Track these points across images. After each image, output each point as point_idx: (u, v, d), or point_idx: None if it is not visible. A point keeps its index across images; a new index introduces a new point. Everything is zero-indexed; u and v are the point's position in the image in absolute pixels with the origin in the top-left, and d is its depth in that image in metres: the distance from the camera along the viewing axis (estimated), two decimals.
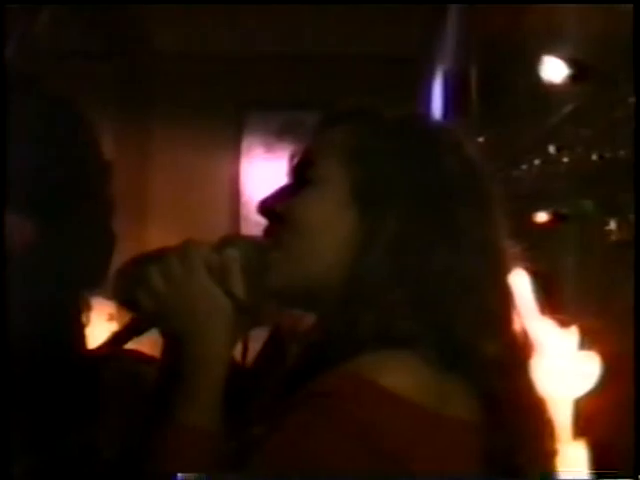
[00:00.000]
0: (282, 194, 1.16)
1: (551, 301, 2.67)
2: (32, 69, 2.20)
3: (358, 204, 1.11)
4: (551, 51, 2.83)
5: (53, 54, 2.38)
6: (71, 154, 2.16)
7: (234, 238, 1.16)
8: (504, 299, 1.12)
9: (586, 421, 2.54)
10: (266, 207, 1.16)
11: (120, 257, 1.92)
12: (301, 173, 1.16)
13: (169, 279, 1.11)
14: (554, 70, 2.81)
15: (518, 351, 1.12)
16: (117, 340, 1.17)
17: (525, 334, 1.15)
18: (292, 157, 1.18)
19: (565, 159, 2.72)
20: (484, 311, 1.07)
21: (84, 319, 2.31)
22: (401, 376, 1.02)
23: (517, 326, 1.13)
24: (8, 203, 1.99)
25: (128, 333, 1.17)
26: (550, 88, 2.83)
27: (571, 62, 2.79)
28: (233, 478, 1.02)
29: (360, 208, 1.11)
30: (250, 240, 1.16)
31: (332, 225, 1.11)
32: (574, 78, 2.79)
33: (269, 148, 4.95)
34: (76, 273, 2.15)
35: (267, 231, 1.17)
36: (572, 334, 2.59)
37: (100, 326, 3.21)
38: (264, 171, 4.83)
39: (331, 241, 1.11)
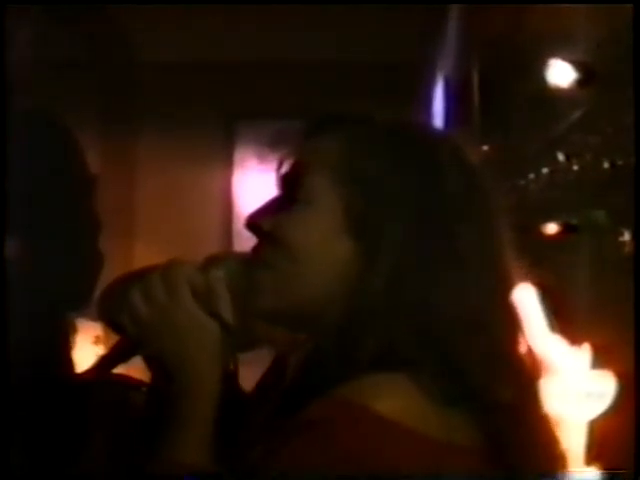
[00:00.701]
0: (270, 209, 1.11)
1: (561, 318, 2.60)
2: (14, 80, 2.13)
3: (353, 229, 1.05)
4: (556, 54, 2.73)
5: (36, 64, 2.30)
6: (55, 169, 2.10)
7: (220, 257, 1.13)
8: (513, 330, 1.07)
9: (600, 445, 2.43)
10: (253, 223, 1.11)
11: (107, 276, 1.85)
12: (290, 186, 1.10)
13: (152, 302, 1.07)
14: (560, 74, 2.71)
15: (529, 387, 1.06)
16: (104, 366, 1.14)
17: (536, 364, 1.09)
18: (280, 167, 1.13)
19: (575, 167, 2.62)
20: (494, 351, 1.02)
21: (70, 341, 2.23)
22: (396, 401, 0.98)
23: (526, 354, 1.08)
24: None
25: (114, 359, 1.13)
26: (556, 93, 2.73)
27: (577, 65, 2.68)
28: None
29: (355, 233, 1.05)
30: (236, 259, 1.12)
31: (324, 250, 1.06)
32: (581, 82, 2.69)
33: (262, 159, 4.85)
34: (61, 293, 2.08)
35: (256, 248, 1.12)
36: (584, 352, 2.50)
37: (86, 348, 3.11)
38: (258, 183, 4.73)
39: (322, 267, 1.06)
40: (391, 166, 1.05)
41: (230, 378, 1.14)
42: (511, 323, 1.06)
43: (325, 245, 1.05)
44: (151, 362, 1.12)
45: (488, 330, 1.02)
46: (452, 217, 1.04)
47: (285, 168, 1.11)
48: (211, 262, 1.10)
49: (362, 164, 1.06)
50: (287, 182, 1.11)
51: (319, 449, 0.95)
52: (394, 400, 0.97)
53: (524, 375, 1.05)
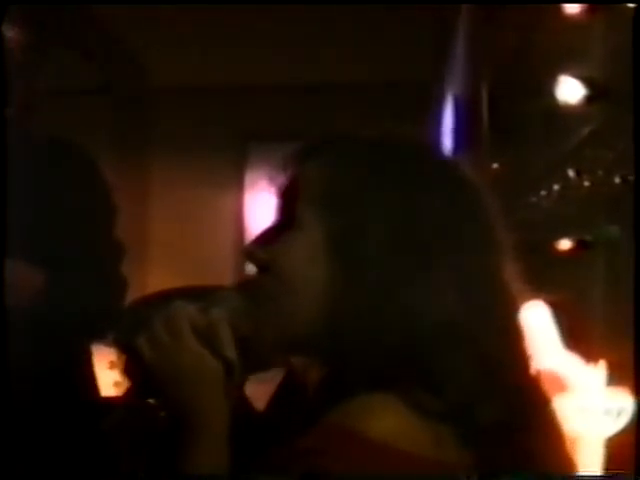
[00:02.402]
0: (266, 237, 1.13)
1: (576, 335, 2.58)
2: (27, 109, 2.14)
3: (334, 252, 1.06)
4: (566, 71, 2.72)
5: (51, 91, 2.32)
6: (76, 196, 2.09)
7: (220, 294, 1.14)
8: (508, 346, 1.05)
9: (618, 463, 2.41)
10: (250, 253, 1.13)
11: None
12: (287, 212, 1.12)
13: (157, 347, 1.09)
14: (569, 91, 2.70)
15: (528, 402, 1.05)
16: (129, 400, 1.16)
17: (540, 380, 1.08)
18: (276, 193, 1.15)
19: (586, 183, 2.60)
20: (481, 369, 1.01)
21: (87, 367, 2.24)
22: (386, 423, 0.98)
23: (530, 371, 1.07)
24: (14, 251, 1.91)
25: (134, 397, 1.20)
26: (566, 109, 2.73)
27: (587, 82, 2.68)
28: None
29: (336, 257, 1.06)
30: (237, 295, 1.13)
31: (310, 276, 1.07)
32: (591, 98, 2.68)
33: (275, 181, 4.84)
34: (81, 319, 2.08)
35: (255, 277, 1.14)
36: (600, 370, 2.48)
37: (101, 373, 3.10)
38: (270, 205, 4.72)
39: (308, 291, 1.07)
40: (375, 184, 1.05)
41: (239, 408, 1.14)
42: (505, 341, 1.05)
43: (309, 269, 1.06)
44: (162, 402, 1.14)
45: (474, 344, 1.01)
46: (436, 234, 1.04)
47: (280, 195, 1.13)
48: (211, 300, 1.12)
49: (341, 184, 1.07)
50: (283, 207, 1.12)
51: (313, 477, 0.95)
52: (384, 422, 0.97)
53: (519, 393, 1.03)
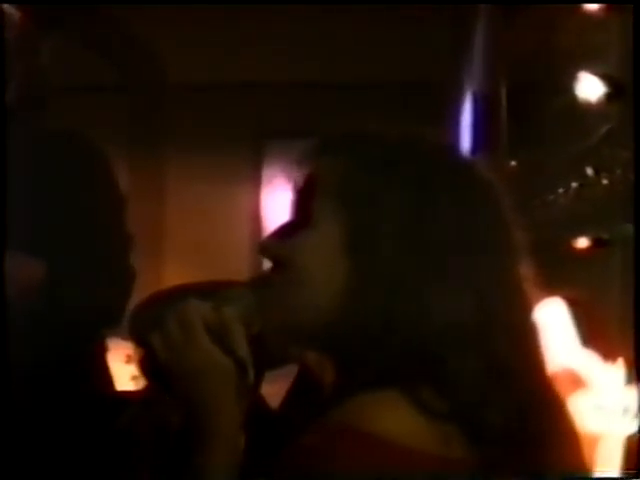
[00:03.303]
0: (282, 233, 1.12)
1: (594, 333, 2.57)
2: (44, 102, 2.14)
3: (350, 250, 1.05)
4: (585, 69, 2.71)
5: (64, 86, 2.32)
6: (86, 188, 2.09)
7: (233, 291, 1.14)
8: (520, 346, 1.04)
9: (637, 462, 2.40)
10: (265, 249, 1.13)
11: (137, 294, 1.85)
12: (302, 208, 1.11)
13: (170, 345, 1.10)
14: (589, 88, 2.69)
15: (541, 402, 1.03)
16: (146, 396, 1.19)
17: (553, 379, 1.07)
18: (291, 188, 1.13)
19: (604, 181, 2.59)
20: (491, 370, 1.00)
21: (102, 360, 2.23)
22: (391, 420, 0.97)
23: (543, 371, 1.06)
24: (20, 241, 1.91)
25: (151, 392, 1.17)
26: (585, 107, 2.71)
27: (606, 79, 2.66)
28: None
29: (352, 255, 1.05)
30: (250, 293, 1.13)
31: (326, 273, 1.06)
32: (610, 96, 2.67)
33: (290, 177, 4.85)
34: (95, 312, 2.07)
35: (269, 273, 1.13)
36: (618, 368, 2.47)
37: (118, 367, 3.10)
38: (286, 201, 4.73)
39: (324, 290, 1.06)
40: (391, 183, 1.05)
41: (257, 403, 1.15)
42: (517, 342, 1.03)
43: (325, 266, 1.06)
44: (175, 399, 1.13)
45: (485, 345, 1.01)
46: (452, 233, 1.04)
47: (296, 191, 1.12)
48: (224, 298, 1.12)
49: (358, 182, 1.06)
50: (299, 203, 1.11)
51: (318, 476, 0.95)
52: (389, 419, 0.97)
53: (533, 390, 1.03)
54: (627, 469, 2.43)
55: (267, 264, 1.13)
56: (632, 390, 2.44)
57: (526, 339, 1.05)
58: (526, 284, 1.06)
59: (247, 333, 1.10)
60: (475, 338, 1.00)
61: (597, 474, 2.24)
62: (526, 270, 1.07)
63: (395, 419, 0.97)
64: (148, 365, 1.13)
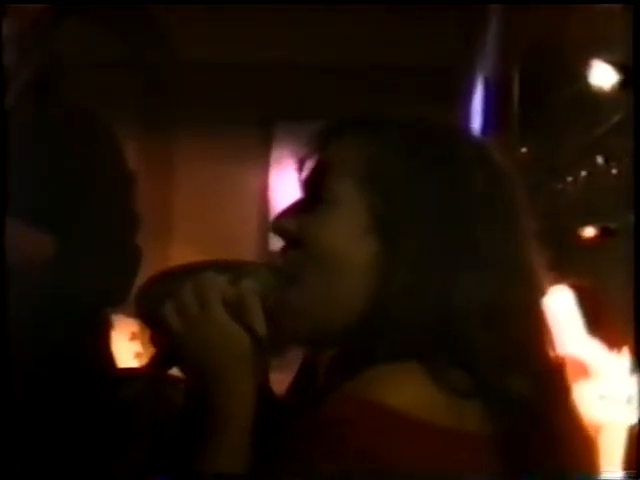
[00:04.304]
0: (295, 210, 1.09)
1: (600, 321, 2.57)
2: (54, 79, 2.14)
3: (376, 229, 1.04)
4: (598, 56, 2.69)
5: (76, 65, 2.32)
6: (94, 166, 2.09)
7: (250, 267, 1.11)
8: (535, 329, 1.04)
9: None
10: (279, 225, 1.09)
11: (144, 273, 1.85)
12: (314, 187, 1.08)
13: (185, 316, 1.07)
14: (601, 76, 2.67)
15: (552, 385, 1.03)
16: (151, 369, 1.15)
17: (562, 365, 1.06)
18: (302, 167, 1.10)
19: (613, 171, 2.58)
20: (511, 346, 1.00)
21: (107, 337, 2.23)
22: (405, 392, 0.96)
23: (553, 356, 1.05)
24: (27, 216, 1.91)
25: (157, 367, 1.14)
26: (597, 95, 2.69)
27: (619, 67, 2.64)
28: None
29: (379, 235, 1.04)
30: (267, 269, 1.10)
31: (349, 251, 1.04)
32: (622, 85, 2.65)
33: (299, 159, 4.85)
34: (99, 289, 2.07)
35: (283, 251, 1.10)
36: (623, 357, 2.47)
37: (122, 345, 3.11)
38: (295, 184, 4.72)
39: (350, 267, 1.04)
40: (414, 166, 1.04)
41: (263, 387, 1.12)
42: (532, 322, 1.04)
43: (350, 246, 1.04)
44: (187, 372, 1.11)
45: (506, 326, 1.00)
46: (474, 217, 1.03)
47: (307, 170, 1.10)
48: (242, 272, 1.09)
49: (385, 164, 1.05)
50: (311, 184, 1.09)
51: (332, 448, 0.94)
52: (403, 391, 0.96)
53: (545, 372, 1.03)
54: (631, 458, 2.43)
55: (277, 245, 1.12)
56: (636, 379, 2.44)
57: (539, 322, 1.05)
58: (538, 268, 1.06)
59: (264, 308, 1.07)
60: (496, 318, 1.00)
61: (601, 464, 2.25)
62: (537, 254, 1.07)
63: (408, 391, 0.96)
64: (158, 338, 1.12)
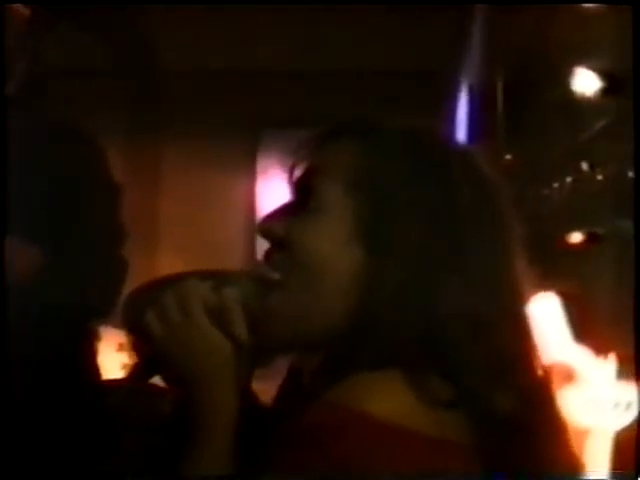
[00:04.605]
0: (282, 213, 1.10)
1: (586, 328, 2.57)
2: (38, 90, 2.14)
3: (362, 239, 1.03)
4: (582, 63, 2.70)
5: (61, 73, 2.31)
6: (79, 178, 2.09)
7: (233, 275, 1.11)
8: (521, 341, 1.04)
9: (626, 456, 2.40)
10: (265, 227, 1.10)
11: (130, 284, 1.85)
12: (303, 192, 1.08)
13: (166, 323, 1.07)
14: (585, 83, 2.69)
15: (537, 399, 1.03)
16: (133, 378, 1.15)
17: (548, 377, 1.06)
18: (292, 172, 1.10)
19: (599, 177, 2.59)
20: (496, 358, 1.00)
21: (93, 349, 2.23)
22: (387, 400, 0.96)
23: (538, 368, 1.05)
24: (12, 228, 1.91)
25: (137, 376, 1.14)
26: (581, 102, 2.71)
27: (603, 74, 2.66)
28: None
29: (364, 242, 1.03)
30: (250, 277, 1.10)
31: (335, 258, 1.04)
32: (606, 91, 2.67)
33: (286, 167, 4.85)
34: (85, 301, 2.07)
35: (268, 254, 1.10)
36: (609, 363, 2.48)
37: (110, 356, 3.10)
38: (281, 191, 4.73)
39: (335, 274, 1.04)
40: (402, 174, 1.05)
41: (247, 394, 1.12)
42: (518, 332, 1.04)
43: (335, 252, 1.04)
44: (169, 380, 1.11)
45: (491, 336, 1.00)
46: (461, 225, 1.03)
47: (297, 174, 1.10)
48: (224, 280, 1.10)
49: (372, 170, 1.05)
50: (299, 188, 1.09)
51: (313, 456, 0.94)
52: (384, 399, 0.96)
53: (530, 386, 1.02)
54: (617, 463, 2.43)
55: (263, 254, 1.12)
56: (623, 385, 2.45)
57: (524, 331, 1.05)
58: (523, 275, 1.06)
59: (247, 316, 1.07)
60: (482, 328, 1.00)
61: (588, 470, 2.26)
62: (522, 261, 1.07)
63: (389, 398, 0.96)
64: (141, 346, 1.12)
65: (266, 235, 1.09)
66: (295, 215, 1.07)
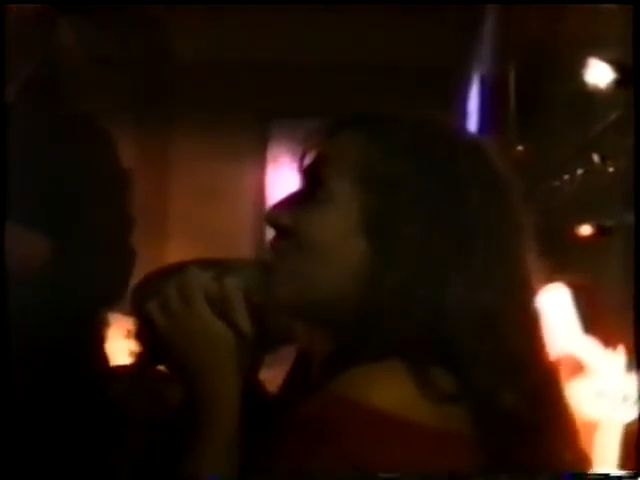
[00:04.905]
0: (290, 203, 1.11)
1: (596, 319, 2.57)
2: (52, 79, 2.14)
3: (368, 228, 1.05)
4: (594, 54, 2.68)
5: (73, 65, 2.32)
6: (89, 167, 2.09)
7: (236, 263, 1.12)
8: (529, 337, 1.05)
9: (635, 449, 2.39)
10: (272, 216, 1.11)
11: (139, 272, 1.85)
12: (311, 182, 1.10)
13: (168, 313, 1.08)
14: (597, 75, 2.67)
15: (544, 397, 1.04)
16: (139, 366, 1.16)
17: (556, 373, 1.07)
18: (301, 162, 1.12)
19: (610, 169, 2.58)
20: (502, 354, 1.01)
21: (101, 336, 2.23)
22: (387, 390, 0.97)
23: (546, 364, 1.06)
24: (20, 216, 1.91)
25: (145, 363, 1.15)
26: (593, 94, 2.69)
27: (616, 66, 2.64)
28: None
29: (370, 233, 1.05)
30: (251, 266, 1.12)
31: (340, 249, 1.05)
32: (619, 83, 2.65)
33: (296, 157, 4.84)
34: (94, 289, 2.08)
35: (273, 241, 1.12)
36: (619, 354, 2.46)
37: (118, 342, 3.10)
38: (291, 181, 4.71)
39: (337, 265, 1.05)
40: (409, 166, 1.05)
41: (252, 383, 1.13)
42: (526, 327, 1.04)
43: (341, 244, 1.05)
44: (173, 369, 1.12)
45: (498, 332, 1.00)
46: (467, 218, 1.04)
47: (306, 164, 1.11)
48: (226, 269, 1.10)
49: (381, 163, 1.05)
50: (307, 178, 1.10)
51: (314, 447, 0.94)
52: (384, 390, 0.96)
53: (537, 384, 1.02)
54: (625, 457, 2.42)
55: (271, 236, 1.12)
56: (632, 377, 2.44)
57: (534, 326, 1.05)
58: (532, 268, 1.06)
59: (249, 305, 1.08)
60: (488, 323, 1.00)
61: (595, 465, 2.25)
62: (532, 254, 1.07)
63: (389, 389, 0.96)
64: (146, 336, 1.12)
65: (274, 224, 1.10)
66: (303, 205, 1.08)
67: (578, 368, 2.41)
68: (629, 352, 2.46)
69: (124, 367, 2.71)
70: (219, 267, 1.10)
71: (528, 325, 1.05)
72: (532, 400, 1.01)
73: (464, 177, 1.05)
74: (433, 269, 1.01)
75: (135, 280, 1.26)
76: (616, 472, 2.29)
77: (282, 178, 4.94)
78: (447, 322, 1.00)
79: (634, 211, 2.35)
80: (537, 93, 2.84)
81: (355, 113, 1.12)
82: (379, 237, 1.03)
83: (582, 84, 2.71)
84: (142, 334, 1.12)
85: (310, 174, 1.10)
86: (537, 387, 1.02)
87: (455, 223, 1.03)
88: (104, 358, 2.22)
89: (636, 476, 1.19)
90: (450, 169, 1.05)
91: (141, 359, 1.14)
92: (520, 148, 2.70)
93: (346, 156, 1.07)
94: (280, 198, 1.12)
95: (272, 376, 1.23)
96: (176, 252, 4.52)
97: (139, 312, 1.12)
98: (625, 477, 1.30)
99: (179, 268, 1.12)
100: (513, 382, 1.00)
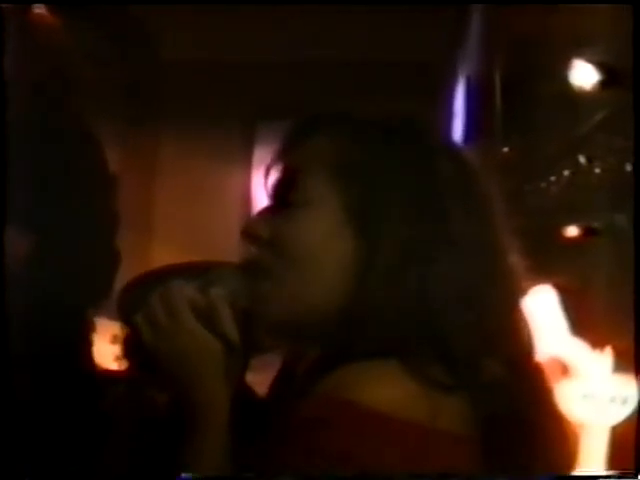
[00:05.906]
0: (265, 216, 1.11)
1: (582, 321, 2.57)
2: (36, 79, 2.14)
3: (353, 223, 1.05)
4: (580, 55, 2.69)
5: (57, 63, 2.31)
6: (74, 167, 2.09)
7: (220, 271, 1.12)
8: (510, 317, 1.06)
9: (622, 451, 2.40)
10: (250, 232, 1.10)
11: (125, 274, 1.85)
12: (283, 191, 1.10)
13: (155, 327, 1.08)
14: (583, 75, 2.68)
15: (528, 371, 1.05)
16: (128, 373, 1.18)
17: (535, 353, 1.08)
18: (268, 172, 1.12)
19: (597, 170, 2.58)
20: (486, 326, 1.02)
21: (88, 339, 2.23)
22: (380, 389, 0.96)
23: (530, 346, 1.07)
24: (7, 216, 1.92)
25: (134, 371, 1.17)
26: (579, 94, 2.70)
27: (601, 67, 2.65)
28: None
29: (356, 227, 1.04)
30: (236, 273, 1.11)
31: (327, 249, 1.05)
32: (605, 84, 2.66)
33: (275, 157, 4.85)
34: (77, 290, 2.07)
35: (255, 258, 1.11)
36: (605, 356, 2.47)
37: (103, 347, 3.09)
38: (263, 190, 4.72)
39: (328, 265, 1.05)
40: (387, 161, 1.05)
41: (241, 389, 1.13)
42: (509, 309, 1.05)
43: (327, 244, 1.04)
44: (161, 379, 1.13)
45: (478, 307, 1.01)
46: (447, 203, 1.04)
47: (276, 174, 1.10)
48: (210, 279, 1.10)
49: (358, 159, 1.05)
50: (279, 188, 1.09)
51: (308, 448, 0.94)
52: (377, 388, 0.96)
53: (521, 360, 1.04)
54: (613, 459, 2.43)
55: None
56: (619, 379, 2.45)
57: (518, 325, 1.05)
58: (517, 268, 1.07)
59: (235, 313, 1.08)
60: (472, 304, 1.01)
61: (583, 465, 2.26)
62: (516, 257, 1.07)
63: (382, 388, 0.96)
64: (133, 345, 1.12)
65: (251, 240, 1.09)
66: (278, 215, 1.07)
67: (565, 370, 2.41)
68: (616, 353, 2.47)
69: (112, 372, 2.71)
70: (203, 277, 1.10)
71: (512, 308, 1.05)
72: (518, 377, 1.01)
73: (440, 166, 1.05)
74: (419, 256, 1.02)
75: (120, 282, 1.26)
76: (616, 472, 2.29)
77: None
78: (434, 305, 1.00)
79: (633, 213, 2.35)
80: (523, 94, 2.84)
81: (314, 116, 1.12)
82: (366, 230, 1.03)
83: (568, 85, 2.72)
84: (129, 342, 1.12)
85: (281, 185, 1.09)
86: (522, 366, 1.03)
87: (436, 211, 1.04)
88: (89, 362, 2.22)
89: (636, 476, 1.20)
90: (425, 160, 1.06)
91: (129, 366, 1.14)
92: (506, 149, 2.70)
93: (320, 158, 1.07)
94: (253, 214, 1.12)
95: (259, 379, 1.23)
96: (162, 254, 4.51)
97: (126, 322, 1.12)
98: (625, 477, 1.31)
99: (164, 277, 1.12)
100: (494, 351, 1.01)
